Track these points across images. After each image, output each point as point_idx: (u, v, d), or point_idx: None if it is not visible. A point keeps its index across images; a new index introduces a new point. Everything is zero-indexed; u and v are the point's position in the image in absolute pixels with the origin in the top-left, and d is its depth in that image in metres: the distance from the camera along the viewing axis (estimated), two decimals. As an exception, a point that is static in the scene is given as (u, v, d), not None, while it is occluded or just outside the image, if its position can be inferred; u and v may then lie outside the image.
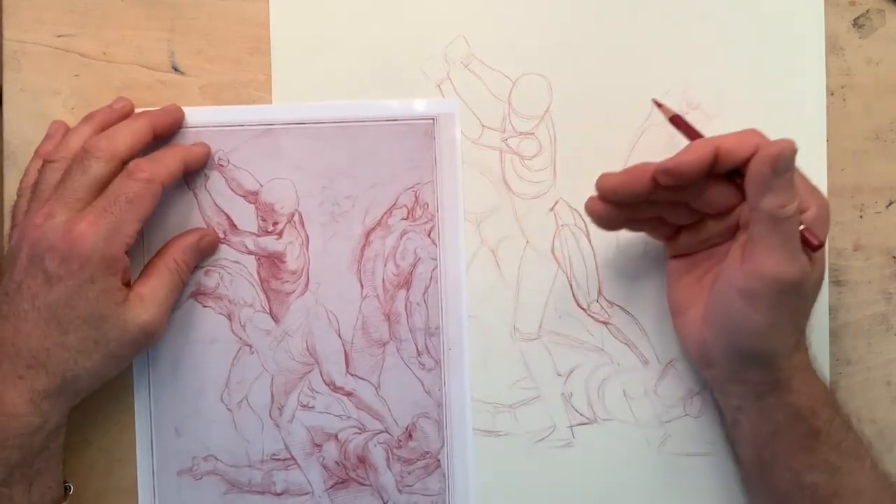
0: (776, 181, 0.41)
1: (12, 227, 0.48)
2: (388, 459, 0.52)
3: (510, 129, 0.52)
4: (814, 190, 0.45)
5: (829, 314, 0.52)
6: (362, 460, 0.52)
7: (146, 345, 0.48)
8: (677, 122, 0.48)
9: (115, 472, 0.52)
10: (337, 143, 0.51)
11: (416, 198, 0.52)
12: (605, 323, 0.52)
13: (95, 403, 0.51)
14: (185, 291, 0.51)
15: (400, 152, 0.51)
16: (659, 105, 0.49)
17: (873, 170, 0.52)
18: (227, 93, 0.51)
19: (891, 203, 0.53)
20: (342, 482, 0.52)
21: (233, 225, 0.52)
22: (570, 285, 0.52)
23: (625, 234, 0.52)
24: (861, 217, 0.52)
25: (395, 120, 0.51)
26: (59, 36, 0.51)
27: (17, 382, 0.44)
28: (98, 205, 0.45)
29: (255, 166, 0.51)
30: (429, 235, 0.52)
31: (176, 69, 0.52)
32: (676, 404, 0.52)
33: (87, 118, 0.49)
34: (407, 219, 0.52)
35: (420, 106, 0.52)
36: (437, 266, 0.52)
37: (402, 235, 0.52)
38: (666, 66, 0.52)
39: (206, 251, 0.51)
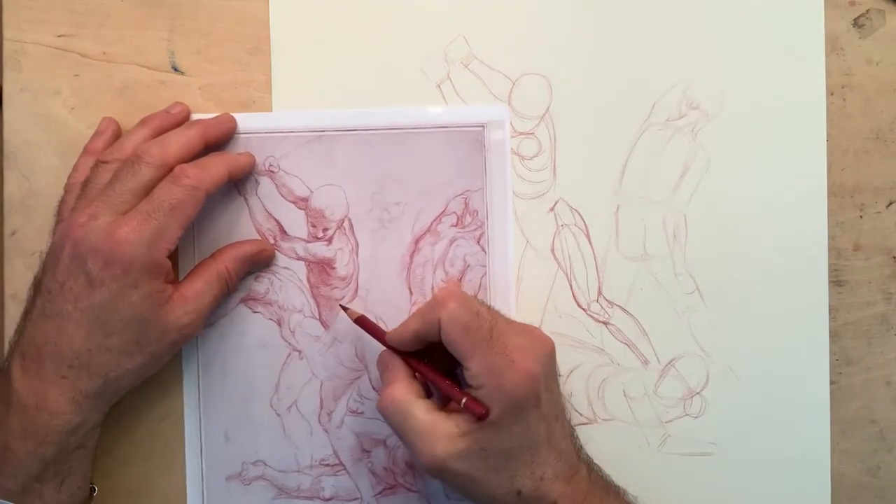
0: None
1: (57, 223, 0.48)
2: None
3: (510, 129, 0.52)
4: (499, 364, 0.44)
5: (829, 314, 0.52)
6: (411, 466, 0.52)
7: (183, 344, 0.49)
8: (362, 322, 0.49)
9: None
10: (387, 149, 0.51)
11: (466, 205, 0.52)
12: (605, 323, 0.52)
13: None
14: (235, 297, 0.52)
15: (450, 159, 0.51)
16: (345, 309, 0.50)
17: (873, 170, 0.52)
18: (227, 93, 0.51)
19: (891, 203, 0.53)
20: (390, 488, 0.52)
21: (283, 231, 0.52)
22: (570, 285, 0.52)
23: (625, 235, 0.52)
24: (861, 217, 0.52)
25: (446, 127, 0.51)
26: (59, 36, 0.51)
27: (60, 382, 0.44)
28: (142, 209, 0.45)
29: (306, 172, 0.51)
30: (478, 242, 0.52)
31: (176, 69, 0.52)
32: (676, 404, 0.52)
33: (143, 122, 0.49)
34: (456, 225, 0.52)
35: (470, 113, 0.51)
36: (485, 273, 0.52)
37: (451, 242, 0.52)
38: (666, 66, 0.52)
39: (261, 264, 0.51)
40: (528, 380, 0.44)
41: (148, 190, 0.46)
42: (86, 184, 0.47)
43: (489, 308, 0.47)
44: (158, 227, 0.44)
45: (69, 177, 0.49)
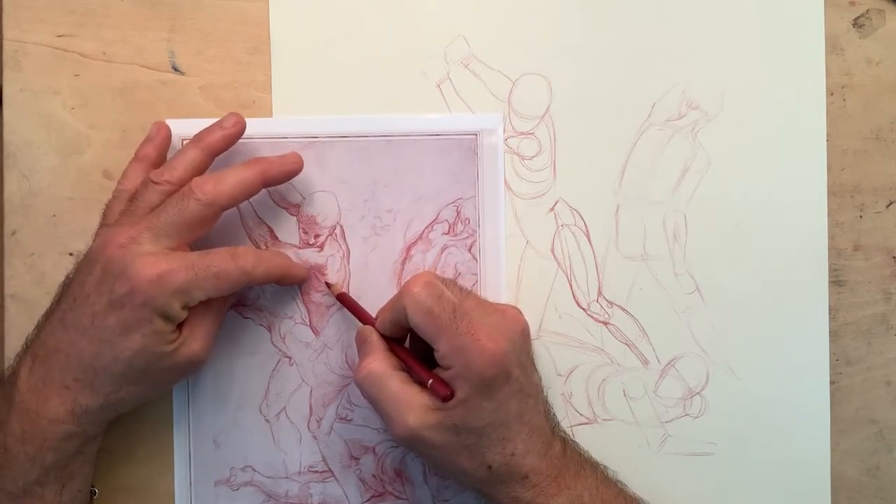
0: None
1: (100, 226, 0.48)
2: (424, 474, 0.52)
3: (510, 129, 0.52)
4: (466, 343, 0.44)
5: (829, 314, 0.52)
6: (399, 474, 0.52)
7: (191, 372, 0.49)
8: (343, 299, 0.50)
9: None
10: (380, 156, 0.51)
11: (458, 213, 0.52)
12: (604, 323, 0.52)
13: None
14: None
15: (443, 167, 0.51)
16: (329, 285, 0.51)
17: (873, 170, 0.52)
18: (226, 93, 0.51)
19: (891, 203, 0.53)
20: (379, 495, 0.52)
21: (274, 237, 0.51)
22: (570, 285, 0.52)
23: (625, 235, 0.52)
24: (861, 217, 0.53)
25: (439, 135, 0.51)
26: (59, 36, 0.51)
27: (62, 391, 0.44)
28: (189, 259, 0.44)
29: (298, 178, 0.51)
30: (469, 251, 0.52)
31: (176, 69, 0.52)
32: (676, 404, 0.52)
33: (197, 139, 0.48)
34: (448, 233, 0.52)
35: (463, 121, 0.51)
36: (477, 281, 0.52)
37: (443, 250, 0.52)
38: (666, 66, 0.52)
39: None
40: (496, 356, 0.44)
41: (193, 226, 0.45)
42: (133, 199, 0.46)
43: (460, 289, 0.48)
44: (192, 283, 0.44)
45: (118, 182, 0.48)
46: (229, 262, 0.45)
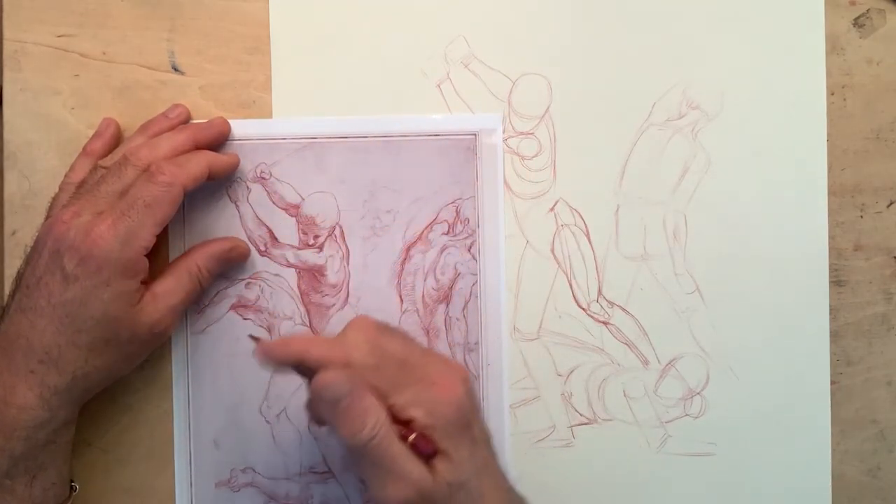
0: (331, 412, 0.40)
1: (45, 219, 0.48)
2: None
3: (510, 129, 0.52)
4: (422, 391, 0.41)
5: (830, 314, 0.52)
6: None
7: (156, 344, 0.48)
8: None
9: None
10: (379, 157, 0.51)
11: (457, 213, 0.52)
12: (605, 323, 0.52)
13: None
14: (226, 303, 0.51)
15: (442, 167, 0.51)
16: (255, 339, 0.45)
17: (873, 170, 0.52)
18: (227, 93, 0.51)
19: (891, 203, 0.53)
20: None
21: (274, 238, 0.51)
22: (570, 285, 0.52)
23: (625, 235, 0.52)
24: (861, 217, 0.52)
25: (438, 135, 0.51)
26: (59, 36, 0.51)
27: (28, 376, 0.44)
28: (117, 208, 0.45)
29: (298, 179, 0.51)
30: (469, 251, 0.52)
31: (176, 69, 0.52)
32: (676, 404, 0.52)
33: (143, 128, 0.50)
34: (447, 234, 0.52)
35: (462, 121, 0.51)
36: (476, 282, 0.52)
37: (442, 250, 0.51)
38: (666, 66, 0.52)
39: (234, 262, 0.51)
40: (456, 399, 0.42)
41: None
42: (81, 185, 0.47)
43: (404, 338, 0.44)
44: (133, 225, 0.44)
45: (65, 175, 0.49)
46: (151, 187, 0.45)
